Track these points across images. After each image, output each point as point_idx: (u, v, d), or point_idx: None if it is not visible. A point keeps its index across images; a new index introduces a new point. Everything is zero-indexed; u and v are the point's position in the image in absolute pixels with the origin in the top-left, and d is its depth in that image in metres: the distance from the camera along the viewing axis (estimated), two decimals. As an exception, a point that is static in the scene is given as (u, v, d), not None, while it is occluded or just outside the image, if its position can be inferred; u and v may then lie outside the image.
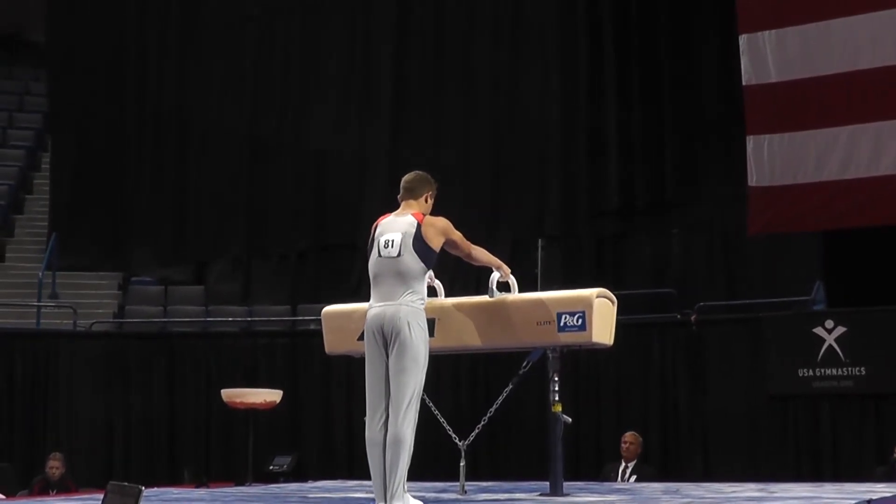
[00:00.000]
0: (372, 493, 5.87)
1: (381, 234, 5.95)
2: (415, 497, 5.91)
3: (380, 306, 5.85)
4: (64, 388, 12.09)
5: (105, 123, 15.25)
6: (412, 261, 5.84)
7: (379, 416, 5.81)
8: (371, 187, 13.73)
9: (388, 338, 5.79)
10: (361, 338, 6.58)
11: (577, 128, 13.06)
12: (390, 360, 5.78)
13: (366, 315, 5.92)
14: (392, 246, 5.86)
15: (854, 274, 11.35)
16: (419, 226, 5.89)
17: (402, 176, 6.19)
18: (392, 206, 6.15)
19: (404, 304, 5.79)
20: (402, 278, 5.83)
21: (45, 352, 12.21)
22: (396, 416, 5.73)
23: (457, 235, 6.01)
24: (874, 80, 10.64)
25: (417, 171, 6.18)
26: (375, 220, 6.08)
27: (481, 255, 6.19)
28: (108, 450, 12.06)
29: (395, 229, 5.92)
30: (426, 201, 6.07)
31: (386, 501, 5.70)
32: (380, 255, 5.90)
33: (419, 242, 5.85)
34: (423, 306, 5.86)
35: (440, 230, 5.94)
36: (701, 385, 10.77)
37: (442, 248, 5.97)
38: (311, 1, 14.63)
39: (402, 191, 6.10)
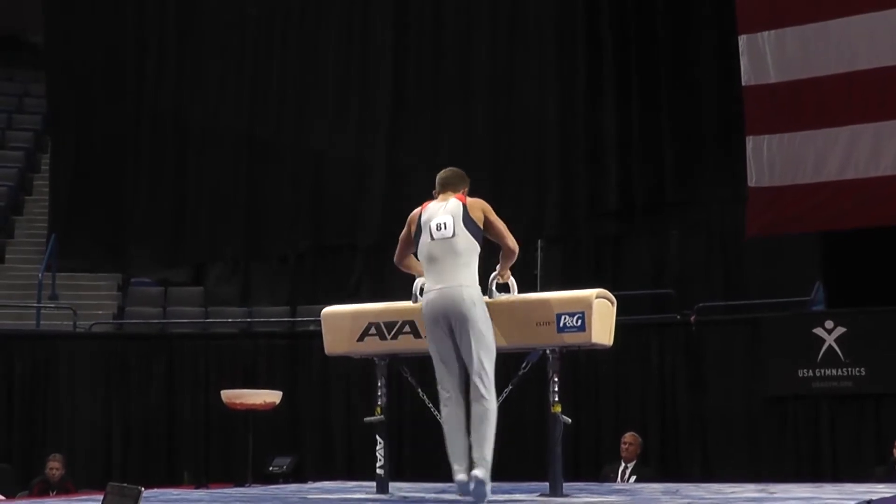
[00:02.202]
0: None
1: (430, 219, 6.16)
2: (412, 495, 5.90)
3: (438, 289, 6.04)
4: (63, 390, 12.08)
5: (104, 125, 15.23)
6: (466, 239, 6.07)
7: (455, 393, 6.08)
8: (370, 188, 13.72)
9: (452, 320, 6.01)
10: (361, 338, 6.60)
11: (575, 128, 13.05)
12: (461, 339, 6.02)
13: (421, 297, 6.18)
14: (445, 227, 6.10)
15: (853, 274, 11.34)
16: (465, 206, 6.14)
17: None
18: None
19: (464, 285, 6.01)
20: (460, 257, 6.06)
21: (44, 353, 12.21)
22: (479, 388, 5.95)
23: (495, 216, 6.20)
24: (873, 80, 10.64)
25: (452, 168, 6.46)
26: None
27: (514, 244, 6.25)
28: (108, 451, 12.06)
29: (443, 212, 6.16)
30: (463, 194, 6.28)
31: (472, 468, 5.88)
32: (432, 237, 6.12)
33: (468, 221, 6.10)
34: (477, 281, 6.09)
35: (481, 208, 6.18)
36: (700, 385, 10.78)
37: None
38: (309, 2, 14.63)
39: (438, 186, 6.35)
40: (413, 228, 6.29)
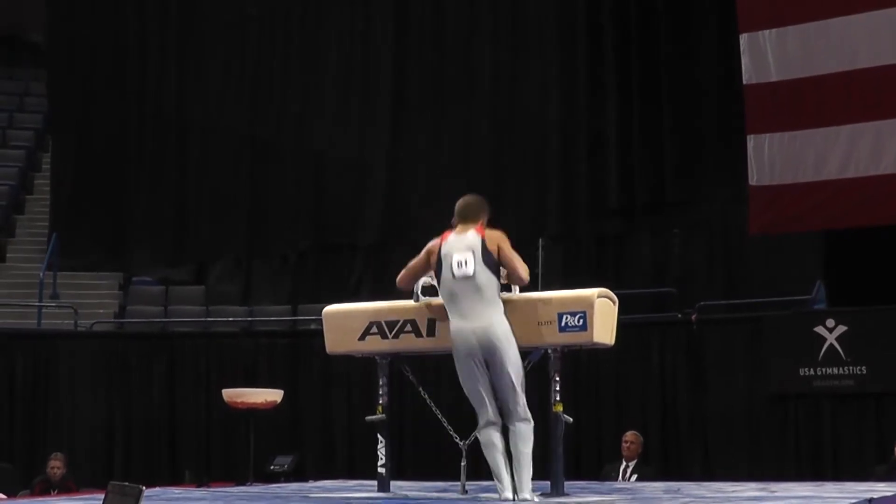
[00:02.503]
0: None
1: (450, 254, 6.18)
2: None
3: (470, 328, 6.11)
4: (65, 389, 12.08)
5: (105, 123, 15.24)
6: (486, 275, 6.10)
7: (490, 420, 6.19)
8: (371, 187, 13.72)
9: (487, 358, 6.12)
10: (362, 337, 6.60)
11: (577, 127, 13.06)
12: (496, 372, 6.13)
13: (449, 329, 6.22)
14: (466, 265, 6.12)
15: (855, 273, 11.34)
16: (483, 241, 6.15)
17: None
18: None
19: (494, 323, 6.10)
20: (481, 294, 6.11)
21: (45, 352, 12.21)
22: (513, 415, 6.13)
23: (509, 248, 6.21)
24: (874, 78, 10.64)
25: (471, 196, 6.43)
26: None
27: (525, 276, 6.27)
28: (109, 450, 12.06)
29: (462, 248, 6.17)
30: (482, 226, 6.27)
31: (518, 493, 6.09)
32: (454, 276, 6.14)
33: (487, 256, 6.12)
34: (505, 316, 6.15)
35: (497, 241, 6.18)
36: (702, 384, 10.77)
37: None
38: (310, 1, 14.63)
39: (456, 217, 6.33)
40: (433, 260, 6.29)
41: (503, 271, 6.22)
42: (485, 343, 6.09)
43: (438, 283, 6.28)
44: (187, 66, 15.15)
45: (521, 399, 6.13)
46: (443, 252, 6.21)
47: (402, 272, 6.48)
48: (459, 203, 6.36)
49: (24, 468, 11.40)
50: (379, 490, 6.66)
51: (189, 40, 15.19)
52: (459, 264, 6.12)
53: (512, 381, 6.08)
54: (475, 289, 6.09)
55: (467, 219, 6.28)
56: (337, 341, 6.85)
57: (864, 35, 10.72)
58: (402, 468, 9.34)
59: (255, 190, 14.48)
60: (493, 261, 6.13)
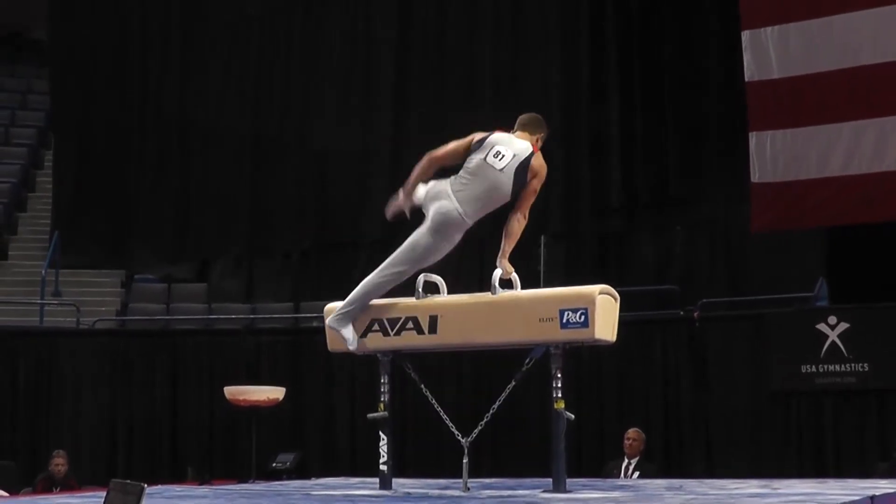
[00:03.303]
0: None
1: (494, 143, 6.10)
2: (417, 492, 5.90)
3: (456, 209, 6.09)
4: (67, 386, 12.09)
5: (107, 121, 15.25)
6: (508, 182, 6.04)
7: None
8: (374, 185, 13.71)
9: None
10: (364, 334, 6.60)
11: (579, 124, 13.05)
12: None
13: None
14: (502, 159, 6.05)
15: (857, 270, 11.35)
16: (531, 154, 6.09)
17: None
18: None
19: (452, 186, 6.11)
20: (492, 193, 6.05)
21: (47, 350, 12.22)
22: None
23: (538, 186, 6.15)
24: (877, 75, 10.64)
25: (535, 113, 6.39)
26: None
27: (522, 226, 6.24)
28: (111, 447, 12.08)
29: (510, 145, 6.10)
30: (537, 142, 6.23)
31: None
32: (485, 160, 6.07)
33: (522, 170, 6.04)
34: (451, 187, 6.08)
35: (538, 169, 6.12)
36: (704, 382, 10.77)
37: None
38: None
39: (517, 123, 6.29)
40: (475, 140, 6.18)
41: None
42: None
43: (466, 159, 6.19)
44: (189, 63, 15.15)
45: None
46: (490, 139, 6.15)
47: (441, 152, 6.36)
48: (522, 116, 6.35)
49: (26, 466, 11.43)
50: (381, 487, 6.65)
51: (191, 38, 15.20)
52: (498, 154, 6.07)
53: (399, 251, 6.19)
54: (492, 186, 6.06)
55: (526, 128, 6.27)
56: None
57: (867, 32, 10.73)
58: (404, 465, 9.34)
59: (256, 187, 14.49)
60: (523, 180, 6.07)
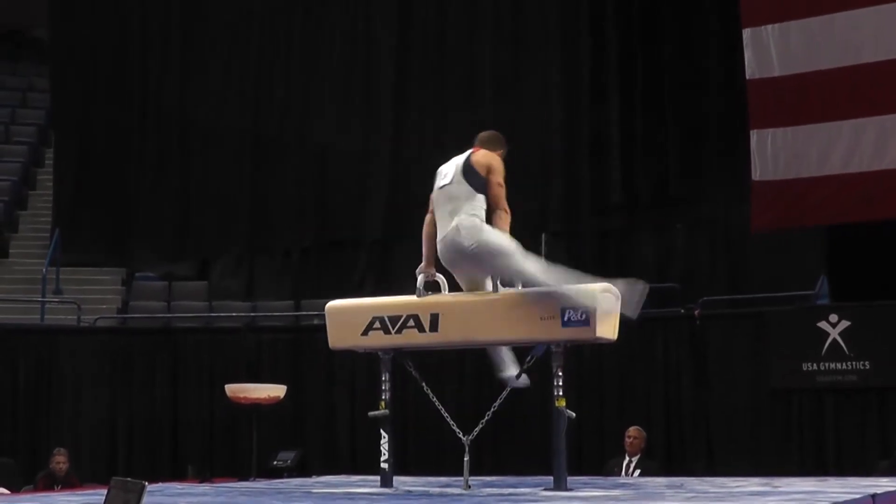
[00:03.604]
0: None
1: (439, 170, 6.22)
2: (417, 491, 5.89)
3: (441, 239, 6.09)
4: (67, 384, 12.09)
5: (108, 119, 15.26)
6: (463, 188, 6.05)
7: None
8: (374, 183, 13.72)
9: (457, 269, 6.11)
10: (365, 332, 6.60)
11: (580, 123, 13.05)
12: (482, 269, 6.11)
13: None
14: (446, 176, 6.13)
15: (858, 268, 11.34)
16: (471, 153, 6.15)
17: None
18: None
19: (459, 223, 6.00)
20: (453, 204, 6.06)
21: (48, 348, 12.22)
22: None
23: (497, 177, 6.14)
24: (877, 73, 10.64)
25: (494, 131, 6.51)
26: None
27: (504, 220, 6.20)
28: (112, 445, 12.07)
29: (452, 162, 6.20)
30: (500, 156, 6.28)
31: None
32: (434, 189, 6.17)
33: (470, 171, 6.07)
34: (481, 220, 6.00)
35: (487, 161, 6.14)
36: (704, 379, 10.77)
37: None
38: (313, -1, 14.65)
39: (476, 140, 6.41)
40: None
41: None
42: (454, 253, 6.06)
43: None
44: (190, 61, 15.16)
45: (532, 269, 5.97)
46: (438, 169, 6.25)
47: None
48: (483, 132, 6.45)
49: (27, 463, 11.42)
50: (382, 485, 6.65)
51: (191, 36, 15.20)
52: (440, 174, 6.16)
53: (512, 267, 5.96)
54: (447, 198, 6.09)
55: (485, 145, 6.36)
56: (340, 336, 6.84)
57: (868, 30, 10.72)
58: (405, 463, 9.33)
59: (257, 186, 14.50)
60: (479, 181, 6.08)
